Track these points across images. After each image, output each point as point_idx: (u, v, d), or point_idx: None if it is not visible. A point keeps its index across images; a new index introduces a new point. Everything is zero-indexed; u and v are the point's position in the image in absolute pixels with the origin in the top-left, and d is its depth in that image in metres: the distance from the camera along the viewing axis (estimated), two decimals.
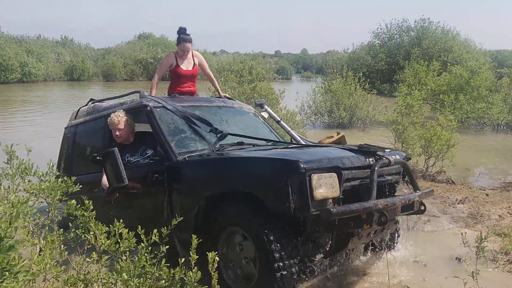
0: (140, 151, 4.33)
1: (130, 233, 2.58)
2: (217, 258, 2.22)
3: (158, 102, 4.23)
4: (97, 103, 4.90)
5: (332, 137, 4.50)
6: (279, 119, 5.23)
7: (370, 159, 3.37)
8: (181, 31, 5.10)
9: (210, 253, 2.24)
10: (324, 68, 27.36)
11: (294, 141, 4.86)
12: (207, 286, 2.21)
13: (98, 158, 3.77)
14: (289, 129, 5.05)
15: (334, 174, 3.05)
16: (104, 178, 4.00)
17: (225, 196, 3.39)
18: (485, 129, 14.59)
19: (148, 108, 4.15)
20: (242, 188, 3.21)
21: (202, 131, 4.12)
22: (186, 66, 5.10)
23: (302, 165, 2.91)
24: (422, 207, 3.57)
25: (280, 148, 3.88)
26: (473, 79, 15.00)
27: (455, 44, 25.68)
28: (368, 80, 16.56)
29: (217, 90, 5.38)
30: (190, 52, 5.11)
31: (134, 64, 41.95)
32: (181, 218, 2.73)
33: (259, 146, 4.01)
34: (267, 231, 3.03)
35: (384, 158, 3.39)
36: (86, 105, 5.14)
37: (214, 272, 2.16)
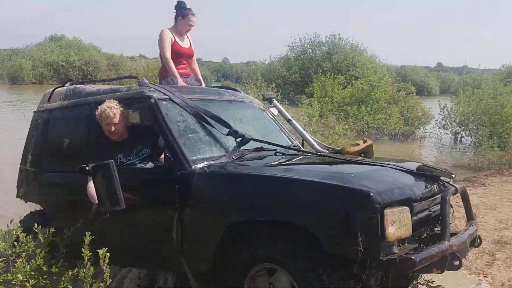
0: (136, 150, 3.55)
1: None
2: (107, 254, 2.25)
3: (163, 93, 3.46)
4: (79, 86, 4.01)
5: (358, 145, 3.90)
6: (290, 118, 4.58)
7: (434, 186, 2.83)
8: (182, 5, 4.38)
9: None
10: (242, 77, 28.20)
11: (305, 145, 4.26)
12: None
13: (87, 169, 3.02)
14: (302, 130, 4.42)
15: (407, 208, 2.48)
16: (91, 186, 3.22)
17: (258, 224, 2.74)
18: (383, 138, 15.47)
19: (152, 101, 3.36)
20: (285, 218, 2.56)
21: (216, 132, 3.41)
22: (183, 44, 4.42)
23: (375, 198, 2.32)
24: (479, 241, 3.10)
25: (320, 162, 3.23)
26: (373, 92, 16.31)
27: (361, 59, 27.31)
28: (280, 91, 17.55)
29: (199, 80, 4.70)
30: None
31: (44, 67, 38.62)
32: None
33: (288, 155, 3.36)
34: (322, 273, 2.43)
35: (449, 185, 2.86)
36: (63, 85, 4.24)
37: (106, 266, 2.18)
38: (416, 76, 47.61)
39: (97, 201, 3.11)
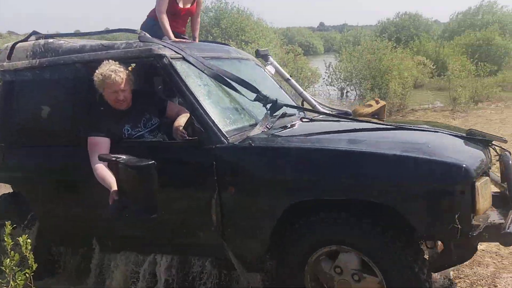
0: (144, 120, 3.02)
1: None
2: (29, 240, 2.05)
3: (175, 51, 2.92)
4: (51, 41, 3.27)
5: (371, 106, 3.71)
6: (288, 77, 4.22)
7: (487, 151, 2.73)
8: None
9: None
10: None
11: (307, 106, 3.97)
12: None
13: (118, 161, 2.49)
14: (302, 90, 4.11)
15: (488, 178, 2.36)
16: (104, 169, 2.70)
17: (323, 204, 2.46)
18: None
19: (166, 61, 2.82)
20: (364, 197, 2.30)
21: (240, 97, 2.99)
22: (183, 2, 3.82)
23: (469, 171, 2.16)
24: None
25: (371, 129, 2.93)
26: None
27: (249, 23, 28.03)
28: None
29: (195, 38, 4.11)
30: None
31: None
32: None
33: (322, 122, 3.06)
34: (405, 252, 2.26)
35: (505, 150, 2.78)
36: (26, 39, 3.46)
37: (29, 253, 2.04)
38: (301, 37, 48.51)
39: (114, 188, 2.60)
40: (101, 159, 2.59)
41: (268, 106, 2.91)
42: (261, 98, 2.92)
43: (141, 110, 3.02)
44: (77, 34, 3.44)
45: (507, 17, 23.02)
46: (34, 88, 3.23)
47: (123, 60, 2.92)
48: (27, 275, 2.00)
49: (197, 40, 4.04)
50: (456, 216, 2.12)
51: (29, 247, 2.07)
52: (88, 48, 3.09)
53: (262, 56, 4.15)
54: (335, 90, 16.07)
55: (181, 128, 2.85)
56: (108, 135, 2.86)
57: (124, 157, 2.54)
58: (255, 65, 3.78)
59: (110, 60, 2.84)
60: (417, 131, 2.81)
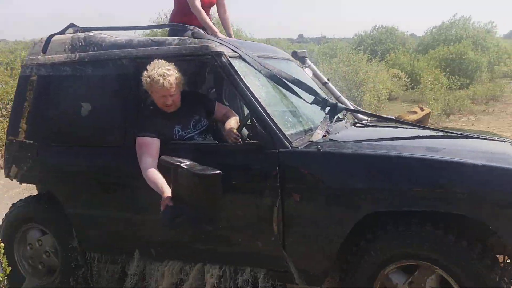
0: (193, 122, 2.86)
1: None
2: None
3: (232, 49, 2.77)
4: (93, 34, 3.09)
5: (416, 112, 3.60)
6: (326, 80, 4.09)
7: None
8: None
9: None
10: None
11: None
12: None
13: (182, 167, 2.32)
14: (340, 95, 3.99)
15: None
16: (156, 174, 2.54)
17: (397, 216, 2.34)
18: None
19: (224, 59, 2.67)
20: (451, 209, 2.17)
21: (296, 99, 2.85)
22: None
23: None
24: None
25: (437, 137, 2.81)
26: None
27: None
28: None
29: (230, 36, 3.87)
30: None
31: None
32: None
33: (376, 127, 2.94)
34: (491, 268, 2.15)
35: None
36: (64, 32, 3.27)
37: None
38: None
39: (168, 194, 2.44)
40: (163, 161, 2.42)
41: (327, 109, 2.78)
42: (320, 101, 2.79)
43: (191, 111, 2.86)
44: (120, 28, 3.24)
45: (479, 32, 23.55)
46: (74, 84, 3.03)
47: (176, 58, 2.76)
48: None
49: (232, 37, 3.85)
50: None
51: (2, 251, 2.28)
52: (135, 43, 2.92)
53: (299, 58, 4.02)
54: None
55: (234, 130, 2.71)
56: (158, 136, 2.70)
57: (187, 162, 2.38)
58: (297, 67, 3.65)
59: (160, 60, 2.68)
60: (483, 140, 2.70)
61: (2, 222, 3.32)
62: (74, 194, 3.02)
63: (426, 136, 2.68)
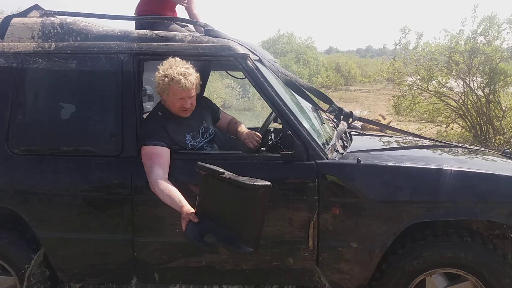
0: (202, 129, 2.60)
1: None
2: None
3: (251, 51, 2.56)
4: (72, 21, 2.55)
5: (380, 121, 3.77)
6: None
7: None
8: None
9: None
10: None
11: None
12: None
13: (223, 175, 2.05)
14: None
15: None
16: (163, 182, 2.24)
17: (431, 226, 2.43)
18: None
19: (250, 63, 2.46)
20: (487, 216, 2.35)
21: (309, 106, 2.78)
22: None
23: None
24: None
25: (430, 148, 2.95)
26: None
27: None
28: None
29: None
30: None
31: None
32: None
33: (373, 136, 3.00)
34: None
35: None
36: (26, 14, 2.65)
37: None
38: None
39: (189, 209, 2.14)
40: (200, 167, 2.08)
41: (342, 118, 2.76)
42: (336, 109, 2.75)
43: (199, 117, 2.59)
44: (96, 16, 2.71)
45: (302, 47, 26.33)
46: (49, 80, 2.49)
47: (190, 57, 2.46)
48: None
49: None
50: None
51: None
52: (135, 36, 2.52)
53: None
54: None
55: (255, 133, 2.56)
56: (168, 145, 2.37)
57: (226, 172, 2.12)
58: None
59: (175, 58, 2.37)
60: (466, 148, 3.00)
61: None
62: (50, 215, 2.46)
63: (439, 145, 2.85)
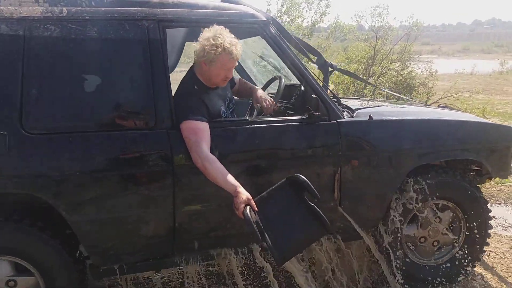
0: (227, 100, 2.67)
1: None
2: None
3: (265, 16, 2.67)
4: None
5: None
6: None
7: None
8: None
9: None
10: None
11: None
12: None
13: (314, 200, 2.20)
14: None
15: None
16: (213, 159, 2.28)
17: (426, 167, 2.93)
18: None
19: (272, 29, 2.59)
20: (465, 156, 2.93)
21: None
22: None
23: None
24: None
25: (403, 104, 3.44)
26: None
27: None
28: None
29: None
30: None
31: None
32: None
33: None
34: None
35: None
36: None
37: None
38: None
39: (245, 195, 2.19)
40: (301, 180, 2.23)
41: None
42: (323, 62, 3.04)
43: (224, 87, 2.63)
44: None
45: None
46: (65, 49, 2.26)
47: (214, 23, 2.48)
48: None
49: None
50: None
51: None
52: (156, 2, 2.42)
53: None
54: None
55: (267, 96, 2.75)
56: (207, 119, 2.41)
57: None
58: None
59: (221, 26, 2.38)
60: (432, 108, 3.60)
61: None
62: (83, 197, 2.28)
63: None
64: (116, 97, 2.35)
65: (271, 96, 2.81)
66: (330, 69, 3.08)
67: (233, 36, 2.39)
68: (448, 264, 3.04)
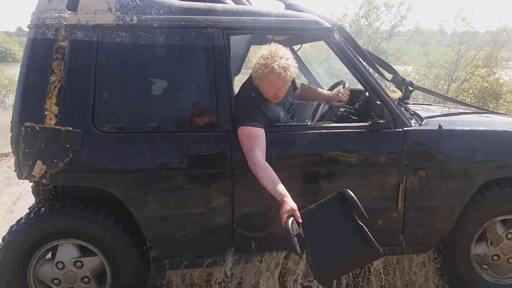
0: (288, 105, 2.67)
1: None
2: None
3: (330, 23, 2.63)
4: None
5: (395, 92, 3.99)
6: None
7: None
8: None
9: None
10: None
11: None
12: None
13: (362, 220, 2.06)
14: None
15: None
16: (265, 166, 2.27)
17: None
18: None
19: (337, 36, 2.55)
20: None
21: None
22: None
23: None
24: None
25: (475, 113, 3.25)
26: None
27: None
28: None
29: None
30: None
31: None
32: None
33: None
34: None
35: None
36: None
37: None
38: None
39: (290, 205, 2.13)
40: (349, 197, 2.09)
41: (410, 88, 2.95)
42: (399, 80, 2.93)
43: (286, 93, 2.63)
44: None
45: None
46: (135, 54, 2.38)
47: (279, 31, 2.51)
48: None
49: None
50: None
51: None
52: (220, 10, 2.48)
53: None
54: None
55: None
56: (264, 126, 2.42)
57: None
58: None
59: (277, 44, 2.39)
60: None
61: (10, 234, 2.43)
62: (148, 193, 2.41)
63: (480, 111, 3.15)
64: (181, 100, 2.44)
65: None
66: (410, 88, 2.96)
67: (289, 57, 2.38)
68: None
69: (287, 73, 2.33)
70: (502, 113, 3.60)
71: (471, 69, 10.72)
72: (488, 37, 11.13)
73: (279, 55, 2.35)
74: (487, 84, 10.25)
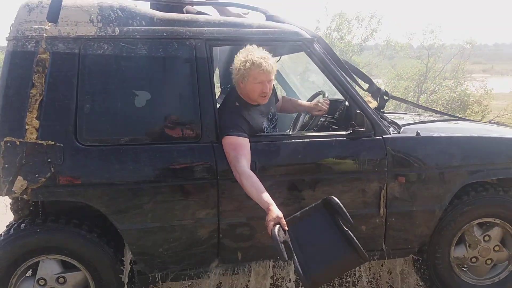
0: (270, 115, 2.71)
1: None
2: None
3: (310, 34, 2.69)
4: (132, 5, 2.45)
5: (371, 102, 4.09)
6: None
7: None
8: None
9: None
10: None
11: None
12: None
13: (347, 226, 2.10)
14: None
15: None
16: (250, 175, 2.29)
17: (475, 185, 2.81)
18: None
19: (317, 47, 2.62)
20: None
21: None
22: None
23: None
24: None
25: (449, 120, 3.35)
26: None
27: None
28: None
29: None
30: None
31: None
32: None
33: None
34: None
35: None
36: None
37: None
38: None
39: (276, 213, 2.14)
40: (334, 203, 2.14)
41: (386, 98, 3.02)
42: (375, 90, 3.00)
43: (268, 103, 2.66)
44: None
45: None
46: (117, 67, 2.38)
47: (260, 42, 2.53)
48: None
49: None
50: None
51: None
52: (203, 21, 2.51)
53: None
54: None
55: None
56: (249, 135, 2.45)
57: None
58: None
59: (253, 45, 2.44)
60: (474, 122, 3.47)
61: None
62: (132, 206, 2.38)
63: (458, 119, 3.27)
64: (165, 112, 2.44)
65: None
66: (385, 97, 3.04)
67: (266, 52, 2.43)
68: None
69: (267, 62, 2.38)
70: (471, 120, 3.73)
71: (439, 80, 11.06)
72: (454, 50, 11.50)
73: (255, 49, 2.41)
74: (455, 95, 10.59)
